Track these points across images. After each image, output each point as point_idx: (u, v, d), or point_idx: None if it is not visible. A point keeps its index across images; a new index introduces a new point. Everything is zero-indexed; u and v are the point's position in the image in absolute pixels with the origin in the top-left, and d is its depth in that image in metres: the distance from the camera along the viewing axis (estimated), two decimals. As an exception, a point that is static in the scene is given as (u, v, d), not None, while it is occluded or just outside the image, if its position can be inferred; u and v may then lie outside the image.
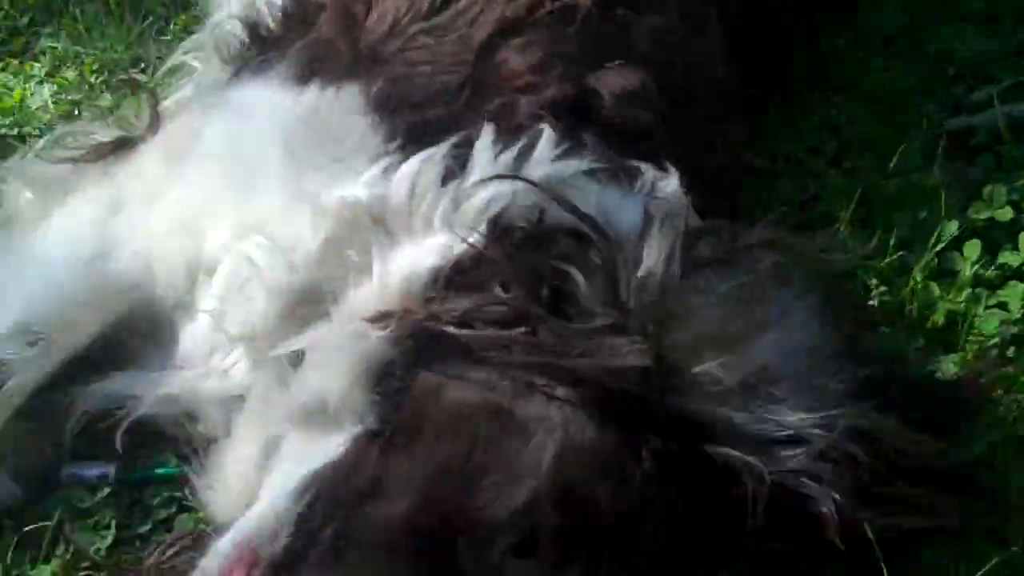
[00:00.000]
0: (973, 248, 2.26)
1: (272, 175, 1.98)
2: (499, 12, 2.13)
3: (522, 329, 1.69)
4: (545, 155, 1.88)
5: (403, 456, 1.66)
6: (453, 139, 1.90)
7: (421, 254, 1.81)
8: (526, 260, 1.74)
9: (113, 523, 2.01)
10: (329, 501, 1.65)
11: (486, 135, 1.90)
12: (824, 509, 1.60)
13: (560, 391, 1.65)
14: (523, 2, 2.15)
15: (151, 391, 2.00)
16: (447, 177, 1.86)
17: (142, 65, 2.99)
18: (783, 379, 1.66)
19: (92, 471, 2.08)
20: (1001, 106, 2.58)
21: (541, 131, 1.91)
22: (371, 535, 1.60)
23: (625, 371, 1.64)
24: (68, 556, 1.95)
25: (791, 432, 1.62)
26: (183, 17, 3.09)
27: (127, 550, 1.98)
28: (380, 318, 1.75)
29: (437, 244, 1.81)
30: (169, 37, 3.05)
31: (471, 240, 1.77)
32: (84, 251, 2.06)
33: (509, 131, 1.92)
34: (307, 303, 1.87)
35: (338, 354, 1.76)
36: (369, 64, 2.08)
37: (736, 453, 1.61)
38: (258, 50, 2.24)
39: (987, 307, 2.18)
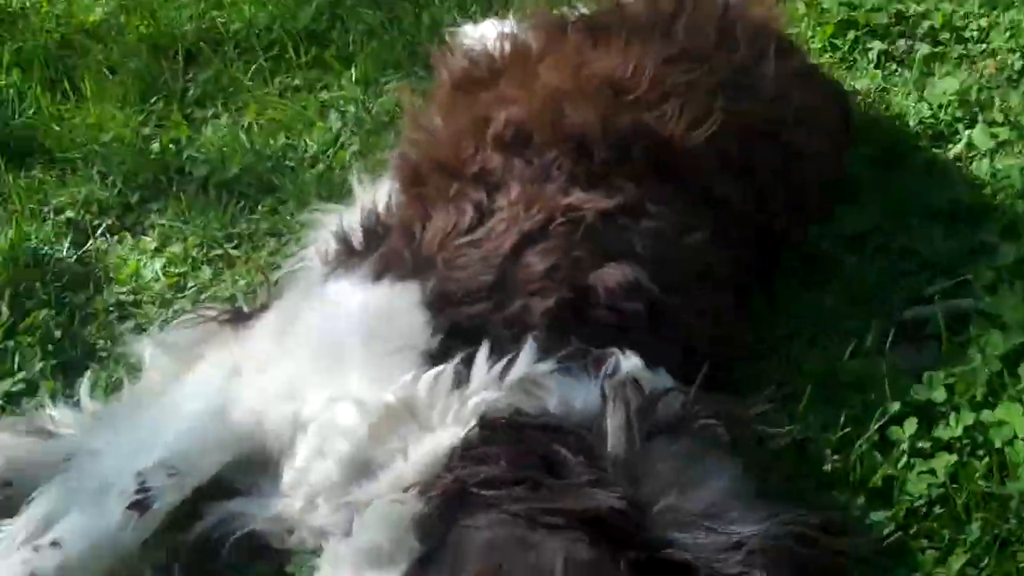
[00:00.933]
0: (911, 424, 2.72)
1: (349, 360, 2.58)
2: (522, 225, 2.70)
3: (528, 484, 2.23)
4: (525, 361, 2.49)
5: (450, 569, 2.23)
6: (462, 353, 2.51)
7: (440, 440, 2.41)
8: (511, 442, 2.33)
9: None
10: None
11: (483, 351, 2.51)
12: None
13: (561, 523, 2.19)
14: (541, 217, 2.73)
15: (261, 512, 2.59)
16: (456, 383, 2.47)
17: (235, 242, 3.53)
18: (725, 511, 2.22)
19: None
20: (949, 300, 3.04)
21: (528, 342, 2.52)
22: None
23: (606, 511, 2.19)
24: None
25: (736, 541, 2.17)
26: (269, 200, 3.64)
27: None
28: (418, 486, 2.31)
29: (450, 433, 2.41)
30: (257, 216, 3.60)
31: (471, 432, 2.38)
32: (210, 406, 2.66)
33: (513, 338, 2.52)
34: (362, 469, 2.45)
35: (386, 512, 2.30)
36: (424, 268, 2.66)
37: (687, 541, 2.18)
38: (347, 256, 2.82)
39: (919, 473, 2.64)
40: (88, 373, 3.03)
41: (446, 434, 2.45)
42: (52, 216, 3.65)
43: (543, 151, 2.86)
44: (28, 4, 4.50)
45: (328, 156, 3.79)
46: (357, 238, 2.87)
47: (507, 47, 3.23)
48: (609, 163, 2.86)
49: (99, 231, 3.60)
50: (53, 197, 3.71)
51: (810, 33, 4.11)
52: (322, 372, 2.62)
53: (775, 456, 2.64)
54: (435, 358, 2.55)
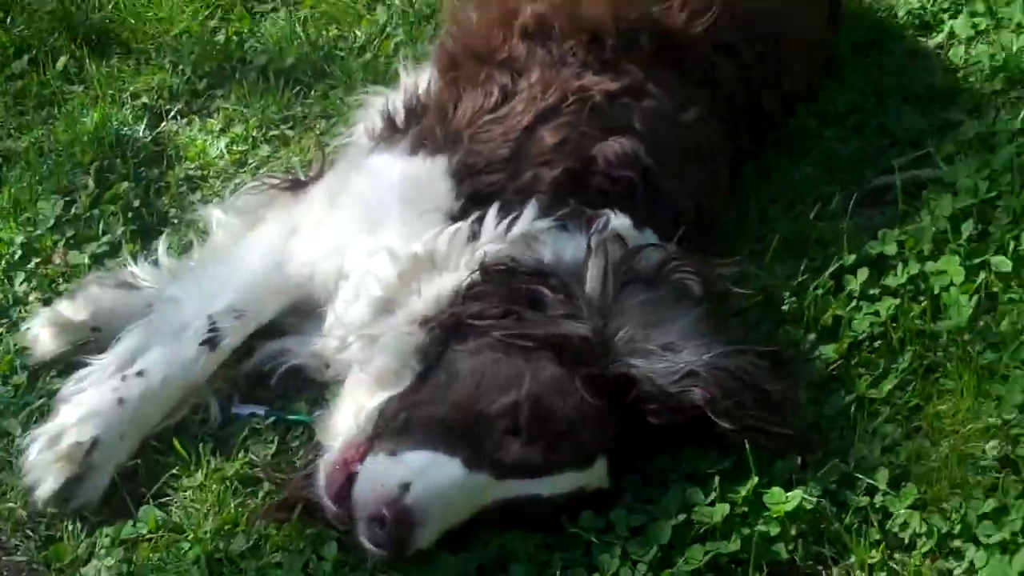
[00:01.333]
0: (863, 273, 3.13)
1: (387, 221, 3.10)
2: (538, 105, 3.16)
3: (513, 317, 2.74)
4: (526, 219, 2.97)
5: (441, 383, 2.76)
6: (478, 213, 3.00)
7: (447, 282, 2.91)
8: (503, 284, 2.83)
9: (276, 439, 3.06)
10: (393, 409, 2.73)
11: (492, 210, 2.99)
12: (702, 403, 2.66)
13: (533, 347, 2.71)
14: (555, 98, 3.18)
15: (303, 349, 3.13)
16: (470, 237, 2.97)
17: (291, 123, 3.99)
18: (680, 346, 2.71)
19: (246, 411, 3.11)
20: (911, 170, 3.44)
21: (531, 203, 2.99)
22: (420, 425, 2.66)
23: (574, 337, 2.71)
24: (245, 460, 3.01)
25: (683, 367, 2.68)
26: (322, 86, 4.09)
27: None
28: (425, 320, 2.84)
29: (457, 276, 2.91)
30: (311, 101, 4.06)
31: (473, 275, 2.88)
32: (271, 260, 3.20)
33: (522, 202, 3.01)
34: (387, 308, 2.96)
35: (397, 342, 2.84)
36: (452, 143, 3.16)
37: (640, 365, 2.69)
38: (390, 132, 3.33)
39: (865, 314, 3.06)
40: (163, 236, 3.52)
41: (454, 277, 2.93)
42: (130, 101, 4.13)
43: (562, 40, 3.29)
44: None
45: (375, 46, 4.22)
46: (400, 117, 3.34)
47: None
48: (618, 51, 3.28)
49: (171, 114, 4.08)
50: (130, 84, 4.19)
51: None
52: (364, 231, 3.11)
53: (740, 306, 3.07)
54: (456, 219, 3.04)
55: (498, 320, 2.80)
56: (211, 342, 3.08)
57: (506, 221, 3.00)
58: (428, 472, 2.61)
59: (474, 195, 3.09)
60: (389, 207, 3.12)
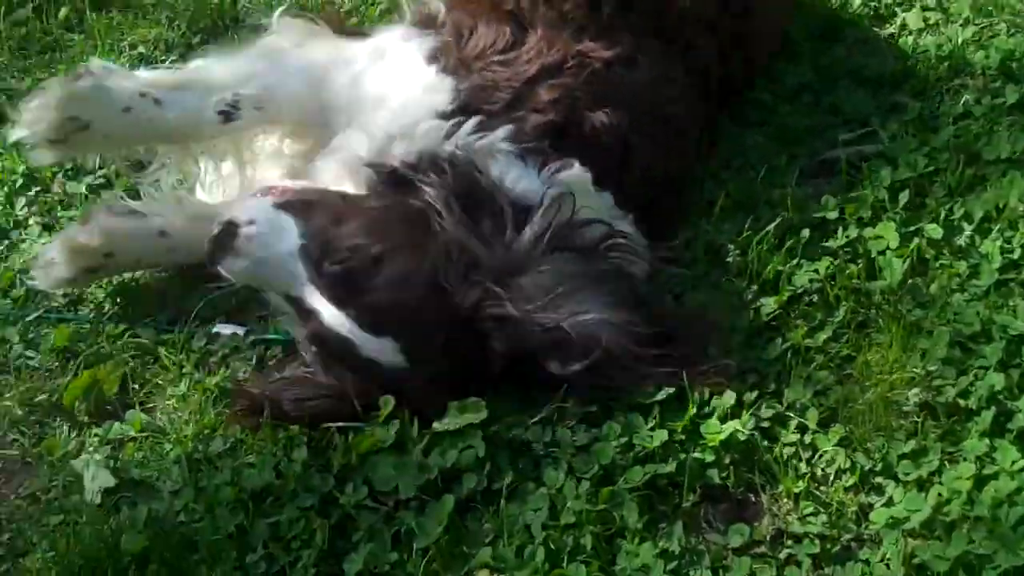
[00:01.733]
0: (805, 233, 3.36)
1: (390, 106, 3.37)
2: (543, 59, 3.40)
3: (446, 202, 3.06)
4: (495, 136, 3.21)
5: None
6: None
7: (416, 147, 3.24)
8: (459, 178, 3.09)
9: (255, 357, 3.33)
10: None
11: (472, 120, 3.24)
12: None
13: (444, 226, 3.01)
14: (557, 57, 3.41)
15: None
16: (447, 136, 3.25)
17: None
18: (573, 311, 2.95)
19: (228, 330, 3.35)
20: (857, 145, 3.69)
21: (505, 126, 3.23)
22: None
23: (476, 256, 2.99)
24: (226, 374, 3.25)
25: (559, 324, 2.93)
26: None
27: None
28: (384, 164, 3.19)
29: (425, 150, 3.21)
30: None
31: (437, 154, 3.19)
32: (310, 76, 3.49)
33: (496, 124, 3.25)
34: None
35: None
36: (464, 71, 3.38)
37: (512, 311, 2.93)
38: (423, 26, 3.58)
39: (805, 270, 3.30)
40: (162, 169, 3.72)
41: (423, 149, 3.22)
42: (127, 51, 4.37)
43: (563, 0, 3.52)
44: None
45: (360, 11, 4.51)
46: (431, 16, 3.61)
47: None
48: (614, 16, 3.52)
49: (165, 64, 4.27)
50: (128, 36, 4.45)
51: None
52: (378, 106, 3.37)
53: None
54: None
55: (434, 191, 3.07)
56: (226, 115, 3.37)
57: (477, 132, 3.23)
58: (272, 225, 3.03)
59: (466, 109, 3.32)
60: (399, 98, 3.37)
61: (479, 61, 3.42)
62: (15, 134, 3.32)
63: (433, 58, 3.44)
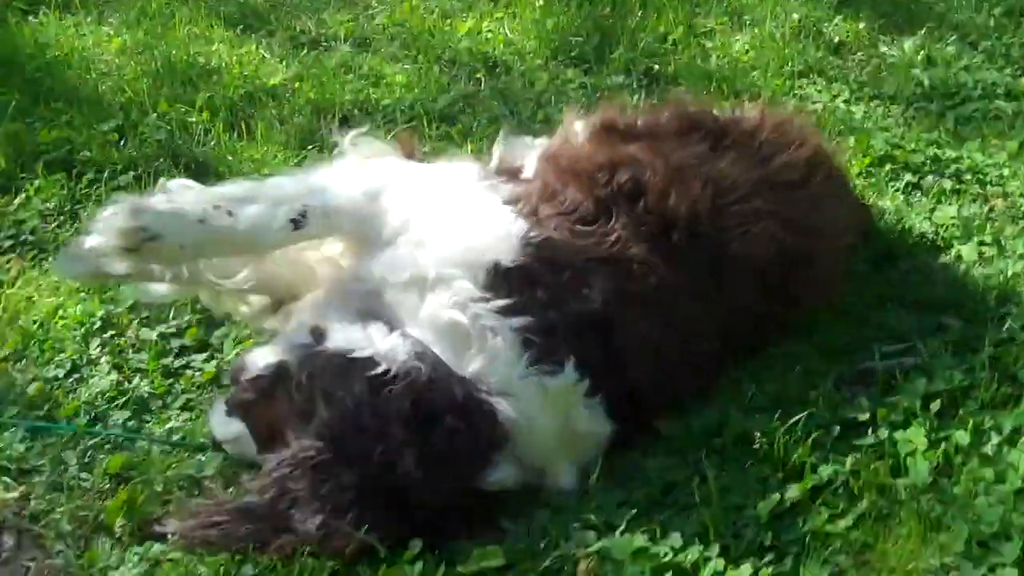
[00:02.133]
0: (835, 430, 3.48)
1: (451, 238, 3.51)
2: (618, 248, 3.57)
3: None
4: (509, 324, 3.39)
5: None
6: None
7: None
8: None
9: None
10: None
11: (497, 303, 3.39)
12: None
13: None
14: (626, 255, 3.58)
15: None
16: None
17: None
18: None
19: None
20: (898, 358, 3.81)
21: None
22: None
23: None
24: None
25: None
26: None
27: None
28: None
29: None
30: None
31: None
32: (369, 191, 3.64)
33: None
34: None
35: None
36: (538, 222, 3.55)
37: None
38: (504, 175, 3.87)
39: (831, 463, 3.38)
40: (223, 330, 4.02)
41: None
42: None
43: (645, 213, 3.67)
44: (224, 64, 5.57)
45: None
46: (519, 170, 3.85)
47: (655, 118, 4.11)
48: (681, 243, 3.67)
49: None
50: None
51: (853, 161, 4.88)
52: (435, 236, 3.50)
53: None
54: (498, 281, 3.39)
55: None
56: (296, 223, 3.52)
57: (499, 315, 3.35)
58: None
59: (519, 269, 3.43)
60: (462, 227, 3.52)
61: (556, 220, 3.56)
62: (89, 241, 3.48)
63: (513, 201, 3.60)
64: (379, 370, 3.23)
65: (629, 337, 3.46)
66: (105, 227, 3.43)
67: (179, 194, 3.55)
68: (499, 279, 3.37)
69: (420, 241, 3.47)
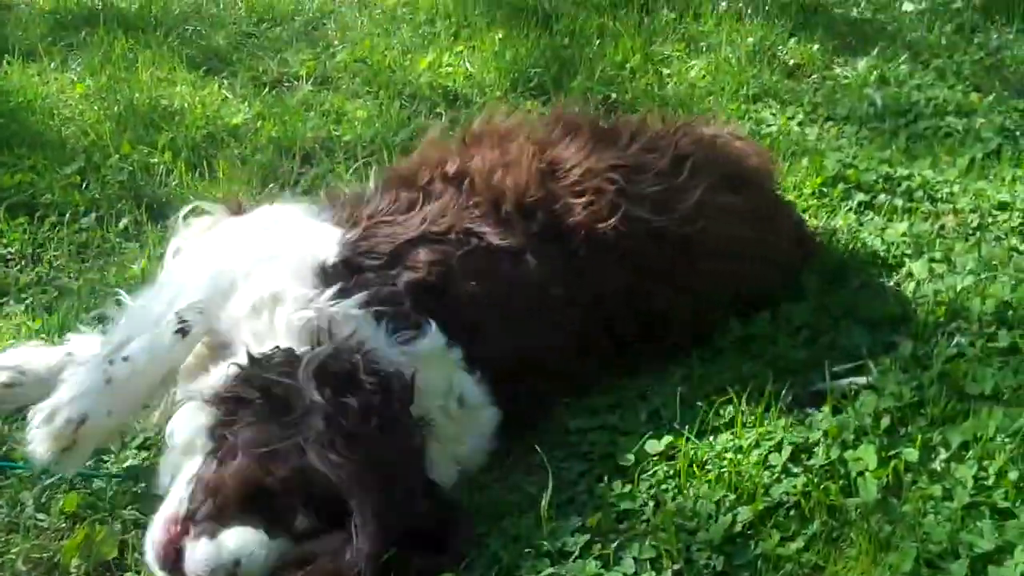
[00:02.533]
0: (786, 451, 3.51)
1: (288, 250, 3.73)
2: (429, 226, 3.75)
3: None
4: (349, 303, 3.51)
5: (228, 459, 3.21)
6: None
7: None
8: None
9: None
10: (199, 489, 3.20)
11: (330, 291, 3.54)
12: None
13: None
14: (443, 226, 3.76)
15: None
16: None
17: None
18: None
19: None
20: (851, 376, 3.85)
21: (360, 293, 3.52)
22: (227, 504, 3.13)
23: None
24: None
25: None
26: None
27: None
28: (213, 398, 3.40)
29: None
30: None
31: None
32: (223, 271, 3.68)
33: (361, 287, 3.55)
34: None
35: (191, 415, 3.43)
36: (351, 225, 3.76)
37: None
38: (328, 201, 4.07)
39: (784, 484, 3.42)
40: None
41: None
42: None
43: (471, 193, 3.88)
44: (187, 105, 5.63)
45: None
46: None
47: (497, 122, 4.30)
48: (512, 217, 3.84)
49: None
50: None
51: (806, 180, 4.96)
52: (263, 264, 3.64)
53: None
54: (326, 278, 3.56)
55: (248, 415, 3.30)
56: (183, 331, 3.57)
57: (336, 299, 3.50)
58: (249, 550, 3.08)
59: (346, 264, 3.62)
60: (287, 252, 3.66)
61: (369, 220, 3.77)
62: (40, 463, 3.49)
63: (334, 219, 3.81)
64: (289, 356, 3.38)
65: (468, 300, 3.65)
66: (38, 442, 3.45)
67: (71, 377, 3.57)
68: (328, 275, 3.57)
69: (249, 273, 3.61)
